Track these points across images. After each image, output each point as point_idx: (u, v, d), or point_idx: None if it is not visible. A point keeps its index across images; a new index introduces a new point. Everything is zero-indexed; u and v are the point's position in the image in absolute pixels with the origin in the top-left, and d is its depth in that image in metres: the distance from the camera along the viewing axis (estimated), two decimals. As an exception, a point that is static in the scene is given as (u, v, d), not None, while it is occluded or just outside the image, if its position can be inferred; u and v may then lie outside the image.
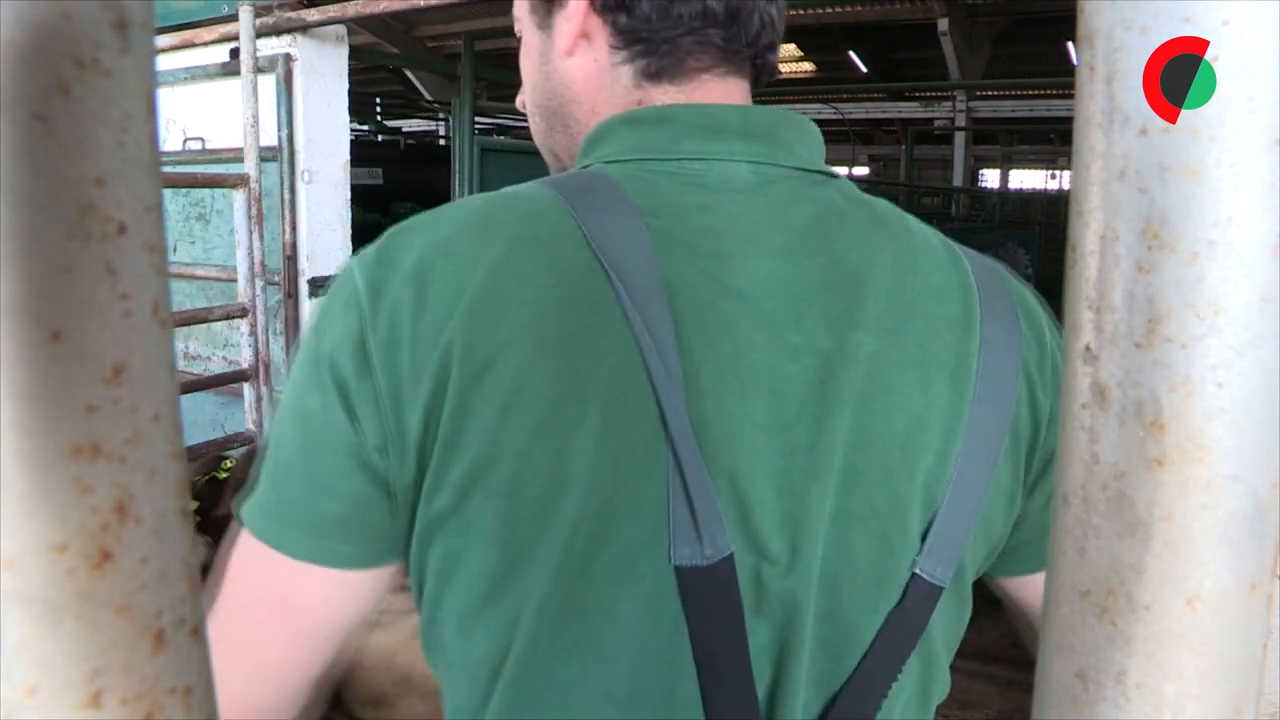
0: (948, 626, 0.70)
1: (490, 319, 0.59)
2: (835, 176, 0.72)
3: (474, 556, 0.62)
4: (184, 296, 4.00)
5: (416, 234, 0.66)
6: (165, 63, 3.94)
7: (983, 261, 0.71)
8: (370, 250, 0.66)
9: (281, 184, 3.50)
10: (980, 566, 0.71)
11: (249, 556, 0.66)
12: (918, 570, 0.64)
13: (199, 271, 3.86)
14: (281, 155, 3.50)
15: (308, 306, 3.63)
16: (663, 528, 0.60)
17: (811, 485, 0.62)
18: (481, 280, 0.60)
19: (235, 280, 3.43)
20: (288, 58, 3.47)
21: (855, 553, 0.64)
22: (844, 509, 0.63)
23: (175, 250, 3.97)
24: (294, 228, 3.54)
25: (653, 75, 0.71)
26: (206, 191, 3.85)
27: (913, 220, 0.73)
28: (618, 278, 0.59)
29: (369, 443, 0.62)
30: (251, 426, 3.54)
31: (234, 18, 3.38)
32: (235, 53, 3.45)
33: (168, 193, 3.97)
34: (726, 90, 0.72)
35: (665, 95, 0.70)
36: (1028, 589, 0.74)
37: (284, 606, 0.65)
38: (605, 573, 0.61)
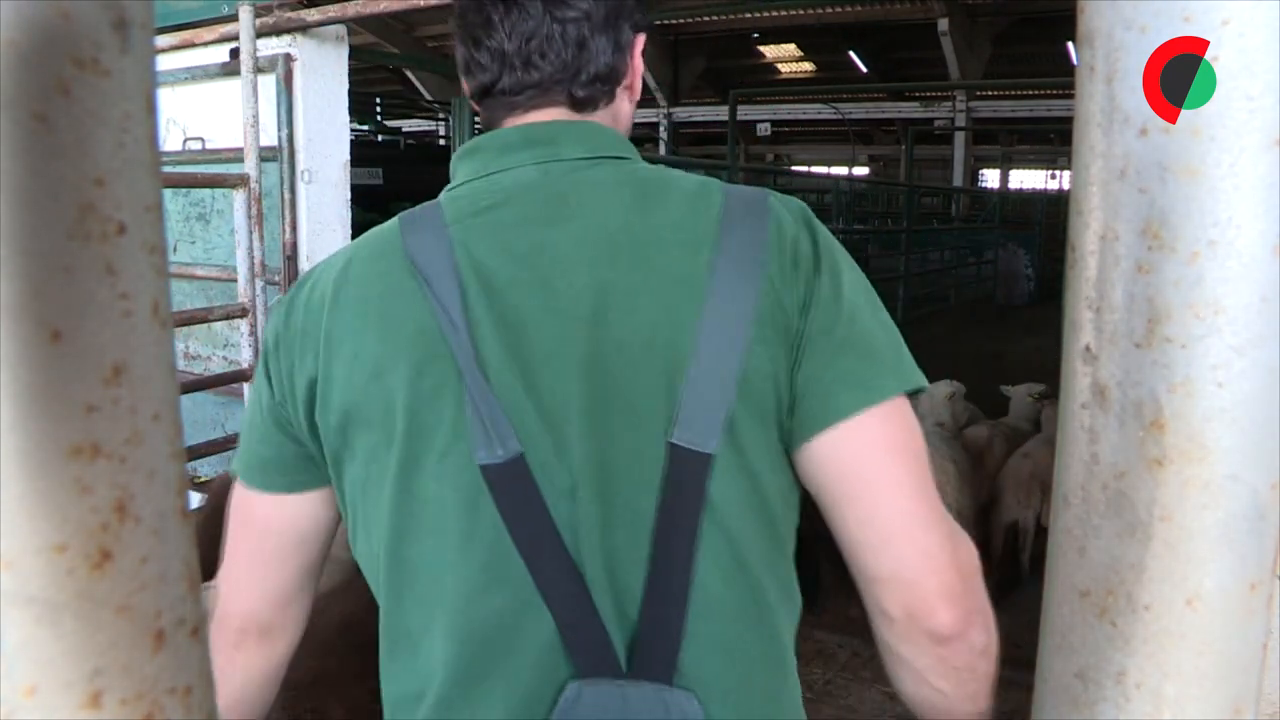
0: (739, 498, 0.81)
1: (340, 311, 0.87)
2: (617, 158, 0.91)
3: (354, 473, 0.87)
4: (184, 296, 3.99)
5: (319, 263, 0.96)
6: (165, 63, 3.94)
7: (746, 195, 0.87)
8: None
9: (281, 184, 3.50)
10: (763, 439, 0.81)
11: (235, 491, 0.97)
12: (674, 440, 0.79)
13: (199, 271, 3.85)
14: (281, 155, 3.50)
15: (308, 306, 3.63)
16: (464, 437, 0.81)
17: (570, 390, 0.81)
18: (336, 288, 0.89)
19: (235, 280, 3.43)
20: (288, 58, 3.47)
21: (615, 437, 0.80)
22: (601, 403, 0.80)
23: (175, 250, 3.97)
24: (294, 228, 3.54)
25: (491, 120, 0.96)
26: (206, 191, 3.85)
27: (676, 175, 0.91)
28: (421, 271, 0.84)
29: (277, 402, 0.92)
30: (251, 426, 3.55)
31: (234, 18, 3.38)
32: (235, 53, 3.45)
33: (168, 193, 3.97)
34: (534, 116, 0.93)
35: (496, 128, 0.95)
36: (809, 455, 0.82)
37: (249, 523, 0.96)
38: (430, 473, 0.83)
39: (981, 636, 0.83)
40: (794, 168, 22.74)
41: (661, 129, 21.25)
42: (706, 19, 18.69)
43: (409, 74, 21.84)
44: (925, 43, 17.97)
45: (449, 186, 0.94)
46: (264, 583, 0.96)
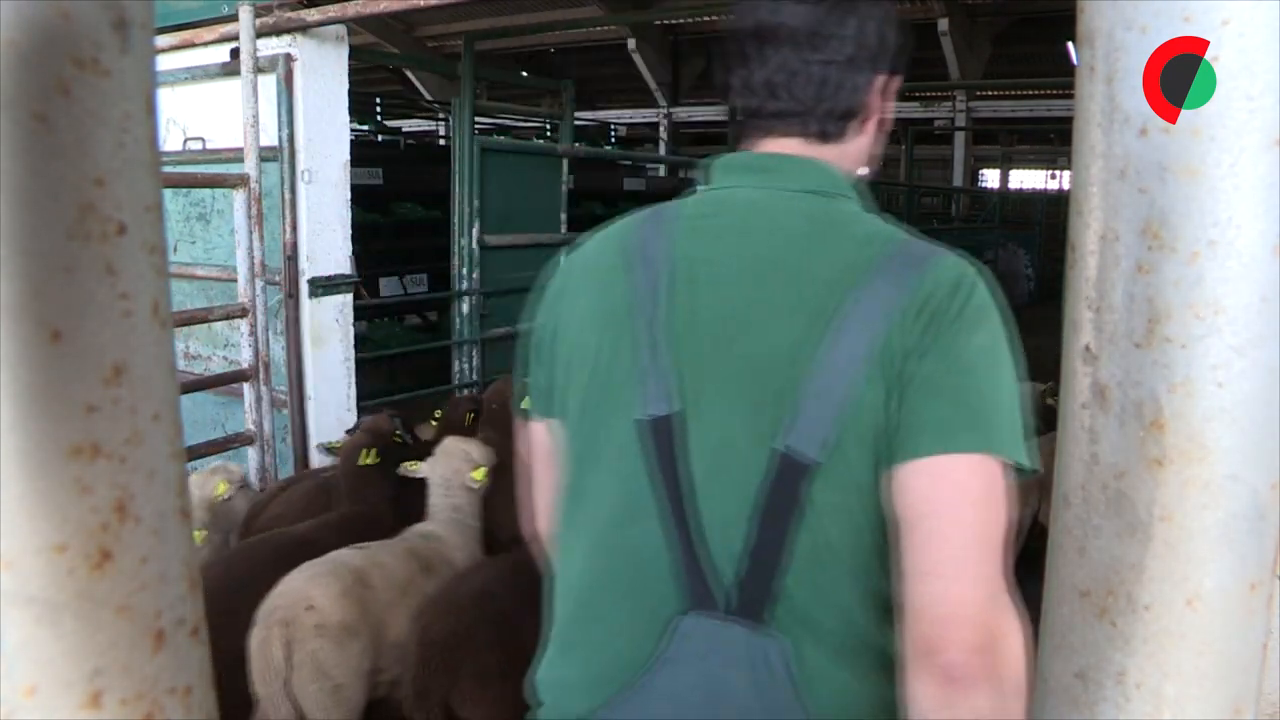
0: (838, 504, 0.92)
1: (574, 276, 1.13)
2: (824, 194, 1.04)
3: (568, 408, 1.09)
4: (184, 296, 3.99)
5: (587, 235, 1.20)
6: (165, 63, 3.94)
7: (914, 250, 0.98)
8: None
9: (282, 184, 3.50)
10: (859, 458, 0.92)
11: (528, 429, 1.22)
12: (782, 447, 0.93)
13: (199, 271, 3.85)
14: (282, 155, 3.49)
15: (308, 306, 3.63)
16: (631, 393, 1.00)
17: (714, 381, 0.97)
18: (579, 257, 1.15)
19: (235, 280, 3.43)
20: (288, 58, 3.47)
21: (737, 430, 0.96)
22: (732, 399, 0.96)
23: (176, 250, 3.97)
24: (294, 228, 3.54)
25: (736, 140, 1.11)
26: (207, 191, 3.85)
27: (861, 220, 1.04)
28: (642, 254, 1.04)
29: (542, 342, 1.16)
30: (251, 426, 3.54)
31: (234, 18, 3.38)
32: (235, 53, 3.45)
33: (168, 193, 3.97)
34: (769, 144, 1.08)
35: (739, 149, 1.12)
36: (893, 480, 0.91)
37: (533, 447, 1.21)
38: (604, 419, 1.04)
39: (986, 699, 0.83)
40: (794, 168, 22.69)
41: (661, 129, 21.25)
42: (706, 19, 18.70)
43: (409, 74, 21.83)
44: (925, 43, 17.97)
45: (697, 188, 1.13)
46: (549, 497, 1.19)
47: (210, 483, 3.01)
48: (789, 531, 0.92)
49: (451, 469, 2.71)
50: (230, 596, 2.40)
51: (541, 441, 1.18)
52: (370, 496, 2.89)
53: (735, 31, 1.05)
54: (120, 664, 0.25)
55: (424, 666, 2.32)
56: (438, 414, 3.79)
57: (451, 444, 2.82)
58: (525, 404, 1.22)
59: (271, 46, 3.50)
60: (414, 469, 2.77)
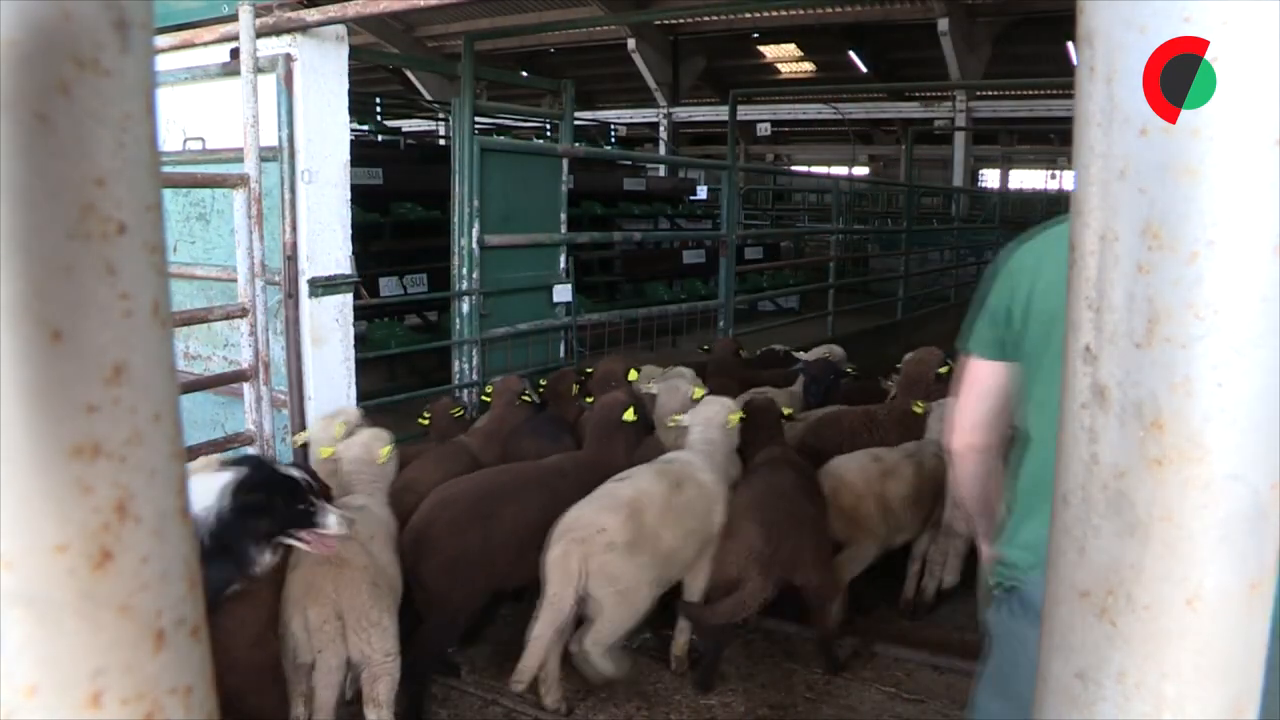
0: None
1: (1039, 272, 1.65)
2: None
3: (1041, 361, 1.64)
4: (184, 296, 3.99)
5: (1033, 231, 1.76)
6: (165, 63, 3.94)
7: None
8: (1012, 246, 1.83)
9: (282, 184, 3.49)
10: None
11: (969, 364, 1.81)
12: None
13: (199, 271, 3.85)
14: (281, 155, 3.49)
15: (308, 306, 3.63)
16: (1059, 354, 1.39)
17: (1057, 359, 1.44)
18: (1040, 247, 1.70)
19: (235, 280, 3.43)
20: (288, 58, 3.46)
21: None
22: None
23: (175, 250, 3.97)
24: (294, 228, 3.54)
25: None
26: (206, 191, 3.85)
27: None
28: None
29: (999, 305, 1.75)
30: (251, 426, 3.54)
31: (234, 18, 3.38)
32: (236, 53, 3.45)
33: (168, 193, 3.97)
34: None
35: None
36: None
37: (967, 375, 1.80)
38: (1048, 363, 1.58)
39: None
40: (794, 168, 22.72)
41: (661, 129, 21.25)
42: (706, 19, 18.69)
43: (409, 74, 21.83)
44: (925, 43, 17.97)
45: None
46: (984, 417, 1.78)
47: (330, 426, 3.41)
48: None
49: (713, 414, 3.61)
50: (498, 502, 3.24)
51: (985, 377, 1.76)
52: (615, 444, 3.73)
53: None
54: (121, 664, 0.25)
55: (769, 542, 3.18)
56: (426, 414, 4.25)
57: (712, 399, 3.78)
58: (973, 346, 1.77)
59: (271, 46, 3.50)
60: (679, 420, 3.70)
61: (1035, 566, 1.59)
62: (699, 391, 3.98)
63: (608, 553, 2.99)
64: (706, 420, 3.58)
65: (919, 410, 4.12)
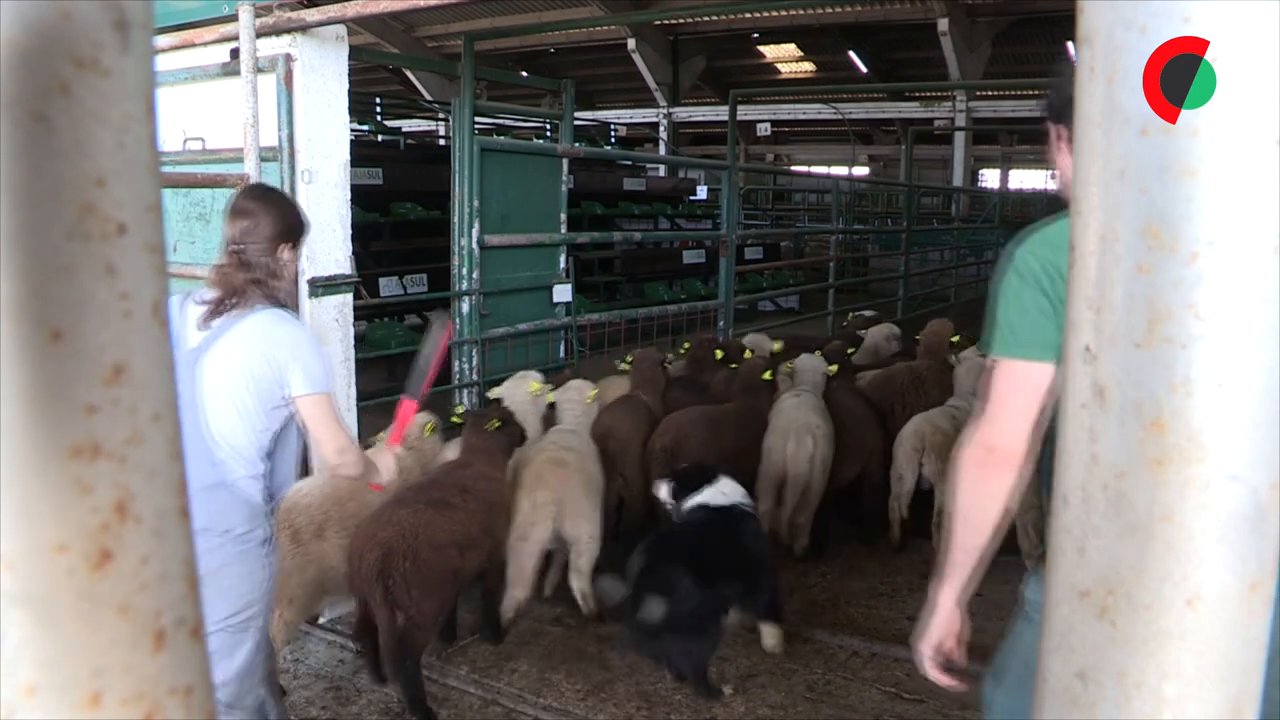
0: None
1: (1053, 265, 1.61)
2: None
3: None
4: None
5: (1040, 231, 1.72)
6: (165, 63, 3.94)
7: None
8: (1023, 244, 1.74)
9: (281, 184, 3.49)
10: None
11: (1002, 364, 1.65)
12: None
13: (199, 271, 3.84)
14: (281, 155, 3.49)
15: (309, 307, 3.62)
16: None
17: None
18: (1056, 241, 1.65)
19: (235, 280, 3.42)
20: (288, 58, 3.46)
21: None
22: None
23: (175, 250, 3.96)
24: (294, 228, 3.54)
25: None
26: (207, 191, 3.85)
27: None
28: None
29: (1043, 305, 1.63)
30: (251, 426, 3.54)
31: (234, 18, 3.38)
32: (236, 53, 3.45)
33: (168, 193, 3.96)
34: None
35: None
36: None
37: (1017, 382, 1.63)
38: None
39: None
40: (794, 168, 22.71)
41: (661, 129, 21.25)
42: (706, 19, 18.69)
43: (409, 74, 21.82)
44: (925, 43, 17.98)
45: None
46: (1029, 425, 1.61)
47: (522, 384, 4.37)
48: None
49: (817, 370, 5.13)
50: (718, 428, 4.54)
51: (1038, 381, 1.59)
52: (761, 397, 4.85)
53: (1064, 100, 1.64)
54: (120, 664, 0.25)
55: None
56: (629, 360, 5.31)
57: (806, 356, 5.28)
58: (1020, 350, 1.63)
59: (271, 47, 3.50)
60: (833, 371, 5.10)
61: None
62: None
63: (820, 467, 4.54)
64: (812, 369, 5.08)
65: (954, 362, 5.33)
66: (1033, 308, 1.59)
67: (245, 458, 2.29)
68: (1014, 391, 1.61)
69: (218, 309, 2.27)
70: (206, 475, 2.24)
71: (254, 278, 2.30)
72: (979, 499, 1.65)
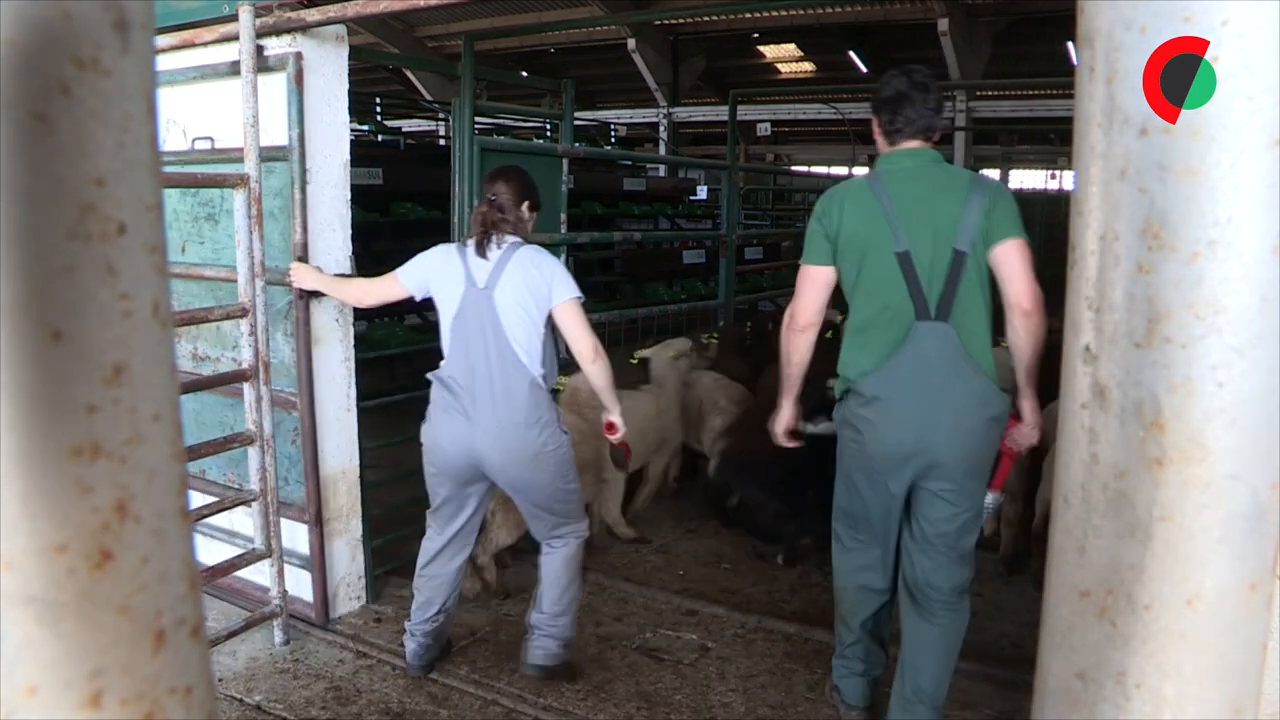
0: (975, 267, 2.68)
1: (845, 216, 2.84)
2: (938, 162, 2.83)
3: (848, 260, 2.85)
4: (192, 297, 3.97)
5: (839, 186, 3.02)
6: (168, 62, 3.93)
7: (980, 180, 2.78)
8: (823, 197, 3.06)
9: (292, 183, 3.47)
10: (982, 249, 2.68)
11: (803, 268, 2.96)
12: (955, 246, 2.69)
13: (208, 272, 3.82)
14: (292, 154, 3.46)
15: (315, 306, 3.62)
16: (890, 244, 2.75)
17: (926, 236, 2.73)
18: (842, 196, 2.89)
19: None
20: (298, 56, 3.44)
21: (940, 249, 2.70)
22: (939, 241, 2.71)
23: (184, 251, 3.95)
24: (304, 228, 3.51)
25: (890, 143, 2.89)
26: (216, 192, 3.83)
27: (955, 169, 2.92)
28: (876, 194, 2.80)
29: (827, 234, 2.93)
30: (251, 426, 3.53)
31: (234, 18, 3.38)
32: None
33: (176, 193, 3.95)
34: (909, 144, 2.83)
35: (892, 149, 2.90)
36: (992, 254, 2.68)
37: (814, 280, 2.91)
38: (872, 258, 2.78)
39: (1037, 320, 2.64)
40: (794, 168, 22.70)
41: (661, 129, 21.25)
42: (706, 19, 18.69)
43: (409, 74, 21.82)
44: (925, 43, 17.97)
45: (880, 166, 2.88)
46: (818, 307, 2.89)
47: (665, 351, 5.28)
48: (958, 283, 2.65)
49: None
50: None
51: (819, 277, 2.81)
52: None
53: (884, 94, 2.80)
54: (120, 664, 0.25)
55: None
56: (715, 334, 6.33)
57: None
58: (812, 259, 2.83)
59: (283, 45, 3.49)
60: None
61: (862, 375, 2.74)
62: None
63: None
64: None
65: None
66: (819, 234, 2.78)
67: (537, 358, 3.09)
68: (808, 282, 2.82)
69: (484, 241, 3.13)
70: (522, 378, 3.06)
71: (504, 218, 3.17)
72: (792, 350, 2.90)
